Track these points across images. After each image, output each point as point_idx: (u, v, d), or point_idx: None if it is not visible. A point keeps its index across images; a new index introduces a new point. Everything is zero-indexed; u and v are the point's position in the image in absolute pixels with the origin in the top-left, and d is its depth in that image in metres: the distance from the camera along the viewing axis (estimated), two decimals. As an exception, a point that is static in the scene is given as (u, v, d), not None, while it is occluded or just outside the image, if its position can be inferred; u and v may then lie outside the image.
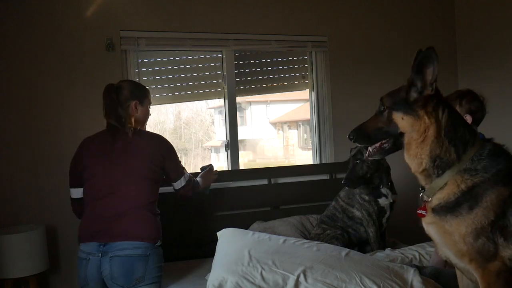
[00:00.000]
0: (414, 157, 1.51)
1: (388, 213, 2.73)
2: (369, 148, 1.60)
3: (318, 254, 1.64)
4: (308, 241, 1.88)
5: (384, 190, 2.70)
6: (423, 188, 1.54)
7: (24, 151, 2.87)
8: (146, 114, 2.41)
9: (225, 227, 2.30)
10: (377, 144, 1.58)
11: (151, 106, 2.47)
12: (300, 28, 3.48)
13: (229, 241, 1.72)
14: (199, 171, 2.81)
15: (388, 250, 2.49)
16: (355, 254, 1.64)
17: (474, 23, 3.82)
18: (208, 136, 4.02)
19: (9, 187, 2.83)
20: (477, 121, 2.27)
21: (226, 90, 3.38)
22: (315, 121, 3.59)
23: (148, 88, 2.49)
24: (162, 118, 4.28)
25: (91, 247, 2.09)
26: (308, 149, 3.65)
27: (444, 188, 1.46)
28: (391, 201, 2.72)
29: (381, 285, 1.50)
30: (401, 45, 3.79)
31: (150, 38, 3.12)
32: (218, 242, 1.75)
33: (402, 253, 2.40)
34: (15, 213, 2.83)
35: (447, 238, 1.46)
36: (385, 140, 1.56)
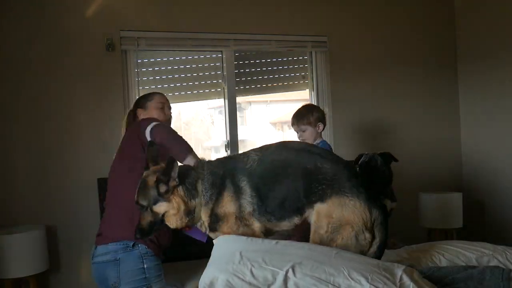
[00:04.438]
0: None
1: None
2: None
3: (309, 252, 1.66)
4: (301, 242, 1.90)
5: (384, 202, 2.67)
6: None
7: (24, 151, 2.87)
8: (154, 114, 2.28)
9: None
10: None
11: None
12: (300, 28, 3.49)
13: (223, 246, 1.76)
14: None
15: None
16: (346, 253, 1.67)
17: (474, 24, 3.82)
18: (208, 136, 4.02)
19: (9, 187, 2.83)
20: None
21: (226, 90, 3.38)
22: (315, 121, 3.59)
23: (160, 91, 2.42)
24: (162, 118, 4.28)
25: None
26: (308, 149, 3.65)
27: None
28: (389, 210, 2.69)
29: (369, 277, 1.52)
30: (401, 45, 3.79)
31: (150, 38, 3.12)
32: (213, 249, 1.78)
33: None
34: (15, 213, 2.83)
35: None
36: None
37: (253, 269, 1.57)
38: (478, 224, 3.79)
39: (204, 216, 1.83)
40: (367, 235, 1.68)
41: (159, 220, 1.82)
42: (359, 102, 3.66)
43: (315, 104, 3.57)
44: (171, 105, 2.43)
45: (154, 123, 2.04)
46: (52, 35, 2.92)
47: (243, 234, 1.76)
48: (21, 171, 2.86)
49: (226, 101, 3.38)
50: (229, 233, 1.80)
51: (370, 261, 1.63)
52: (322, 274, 1.54)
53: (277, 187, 1.76)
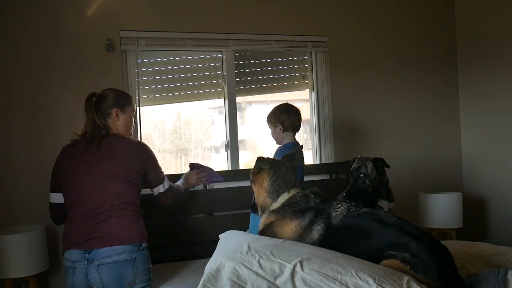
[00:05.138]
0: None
1: None
2: None
3: (315, 250, 1.69)
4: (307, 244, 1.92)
5: (380, 203, 2.66)
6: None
7: (24, 151, 2.87)
8: (129, 122, 2.38)
9: (225, 227, 2.30)
10: None
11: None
12: (300, 28, 3.49)
13: (230, 238, 1.78)
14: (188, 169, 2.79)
15: None
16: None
17: (474, 24, 3.82)
18: (208, 136, 4.01)
19: (9, 187, 2.83)
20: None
21: (226, 90, 3.38)
22: (315, 121, 3.59)
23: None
24: (162, 118, 4.28)
25: (76, 255, 2.06)
26: (308, 149, 3.65)
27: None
28: (386, 210, 2.69)
29: (377, 278, 1.53)
30: (401, 45, 3.79)
31: (150, 38, 3.12)
32: (219, 242, 1.79)
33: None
34: (15, 213, 2.83)
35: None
36: None
37: (261, 260, 1.59)
38: (478, 224, 3.79)
39: (262, 222, 1.93)
40: None
41: (255, 201, 2.02)
42: (359, 102, 3.66)
43: (315, 104, 3.57)
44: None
45: (166, 187, 2.38)
46: (52, 35, 2.92)
47: None
48: (21, 171, 2.86)
49: (226, 101, 3.38)
50: None
51: (375, 264, 1.64)
52: (329, 271, 1.55)
53: (352, 247, 1.74)
